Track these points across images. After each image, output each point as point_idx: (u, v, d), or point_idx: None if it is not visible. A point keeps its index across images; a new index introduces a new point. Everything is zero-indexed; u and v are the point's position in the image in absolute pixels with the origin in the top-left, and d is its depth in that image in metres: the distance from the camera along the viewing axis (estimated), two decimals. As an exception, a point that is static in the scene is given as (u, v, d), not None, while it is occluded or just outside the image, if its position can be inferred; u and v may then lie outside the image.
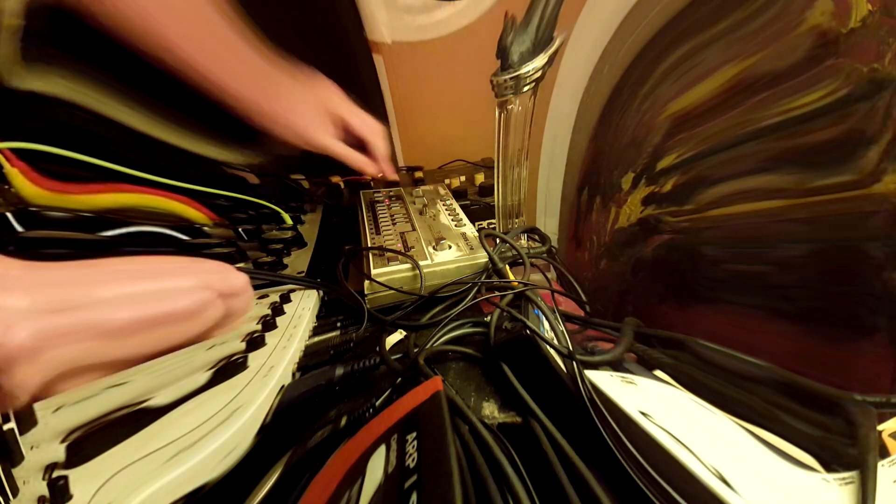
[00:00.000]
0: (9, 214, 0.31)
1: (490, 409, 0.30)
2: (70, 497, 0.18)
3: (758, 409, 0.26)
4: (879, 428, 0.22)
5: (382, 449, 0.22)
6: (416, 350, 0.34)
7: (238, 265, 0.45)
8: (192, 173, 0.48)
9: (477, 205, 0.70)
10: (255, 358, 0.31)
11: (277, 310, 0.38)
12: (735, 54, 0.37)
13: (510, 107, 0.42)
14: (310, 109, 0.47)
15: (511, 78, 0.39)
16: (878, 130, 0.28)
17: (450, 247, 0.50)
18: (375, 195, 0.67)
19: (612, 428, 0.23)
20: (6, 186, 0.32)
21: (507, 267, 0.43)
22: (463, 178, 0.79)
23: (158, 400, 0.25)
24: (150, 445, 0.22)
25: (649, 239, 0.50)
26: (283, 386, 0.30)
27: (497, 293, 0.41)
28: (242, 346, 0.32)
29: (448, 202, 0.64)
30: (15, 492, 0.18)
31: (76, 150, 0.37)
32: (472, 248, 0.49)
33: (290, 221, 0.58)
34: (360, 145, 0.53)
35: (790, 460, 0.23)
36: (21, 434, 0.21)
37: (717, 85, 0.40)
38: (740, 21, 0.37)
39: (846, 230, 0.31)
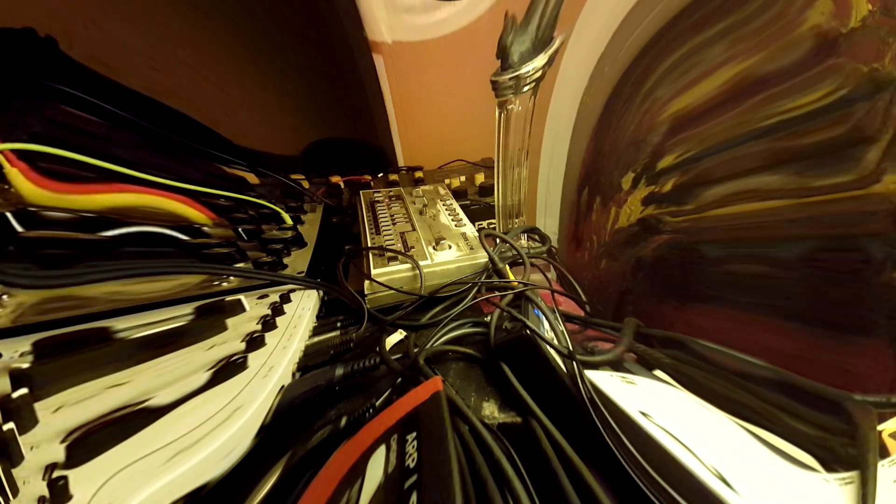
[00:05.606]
0: (9, 214, 0.31)
1: (490, 409, 0.30)
2: (70, 497, 0.18)
3: (758, 409, 0.26)
4: (879, 428, 0.22)
5: (382, 449, 0.22)
6: (416, 350, 0.34)
7: (238, 265, 0.45)
8: (192, 173, 0.48)
9: (477, 205, 0.70)
10: (255, 358, 0.31)
11: (277, 310, 0.38)
12: (735, 54, 0.37)
13: (510, 107, 0.42)
14: None
15: (511, 78, 0.39)
16: (878, 130, 0.28)
17: (450, 247, 0.50)
18: (375, 195, 0.67)
19: (612, 428, 0.23)
20: (6, 186, 0.32)
21: (507, 267, 0.43)
22: (463, 178, 0.79)
23: (158, 400, 0.25)
24: (151, 446, 0.22)
25: (649, 239, 0.50)
26: (283, 386, 0.30)
27: (497, 293, 0.41)
28: (242, 346, 0.32)
29: (448, 202, 0.64)
30: (15, 492, 0.18)
31: (76, 150, 0.37)
32: (472, 248, 0.49)
33: (290, 221, 0.58)
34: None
35: (790, 460, 0.23)
36: (21, 434, 0.21)
37: (717, 85, 0.40)
38: (740, 21, 0.37)
39: (846, 230, 0.31)
